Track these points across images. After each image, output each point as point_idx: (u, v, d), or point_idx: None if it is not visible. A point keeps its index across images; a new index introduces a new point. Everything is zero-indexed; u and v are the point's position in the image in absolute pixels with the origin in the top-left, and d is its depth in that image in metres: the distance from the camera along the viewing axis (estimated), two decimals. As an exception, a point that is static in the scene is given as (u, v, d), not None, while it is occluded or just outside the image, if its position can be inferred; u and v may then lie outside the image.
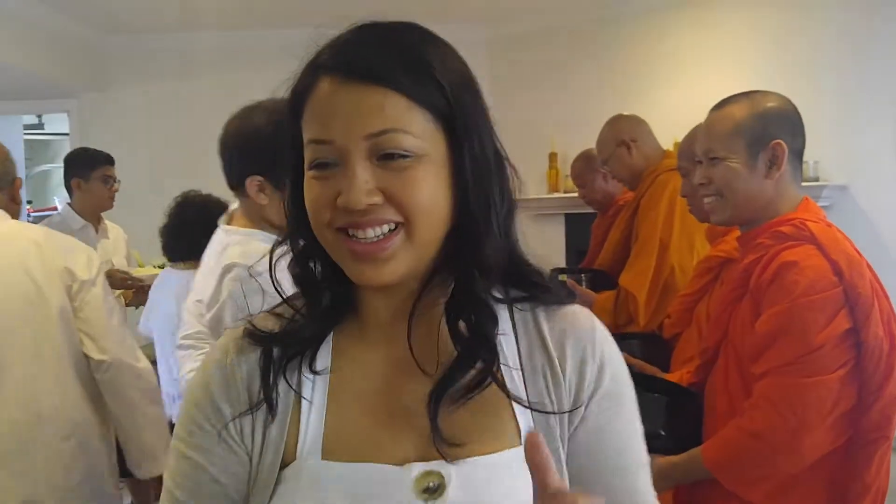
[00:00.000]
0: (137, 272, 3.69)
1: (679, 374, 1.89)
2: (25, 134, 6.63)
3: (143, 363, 1.99)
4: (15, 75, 4.87)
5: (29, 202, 6.70)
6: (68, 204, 3.65)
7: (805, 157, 4.85)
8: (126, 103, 5.60)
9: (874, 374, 1.40)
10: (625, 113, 3.05)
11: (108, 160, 3.69)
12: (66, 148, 6.45)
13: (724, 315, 1.59)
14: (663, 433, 1.59)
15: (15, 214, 2.06)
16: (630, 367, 1.96)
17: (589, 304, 2.82)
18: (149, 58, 5.63)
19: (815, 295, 1.40)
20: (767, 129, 1.54)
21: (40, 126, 7.18)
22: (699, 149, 1.65)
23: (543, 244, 5.25)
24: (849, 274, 1.41)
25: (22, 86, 5.28)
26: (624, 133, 2.88)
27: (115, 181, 3.71)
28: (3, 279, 1.83)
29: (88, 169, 3.62)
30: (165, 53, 5.61)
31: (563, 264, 4.86)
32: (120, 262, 3.74)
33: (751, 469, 1.46)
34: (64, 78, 5.24)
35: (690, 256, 2.55)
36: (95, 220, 3.69)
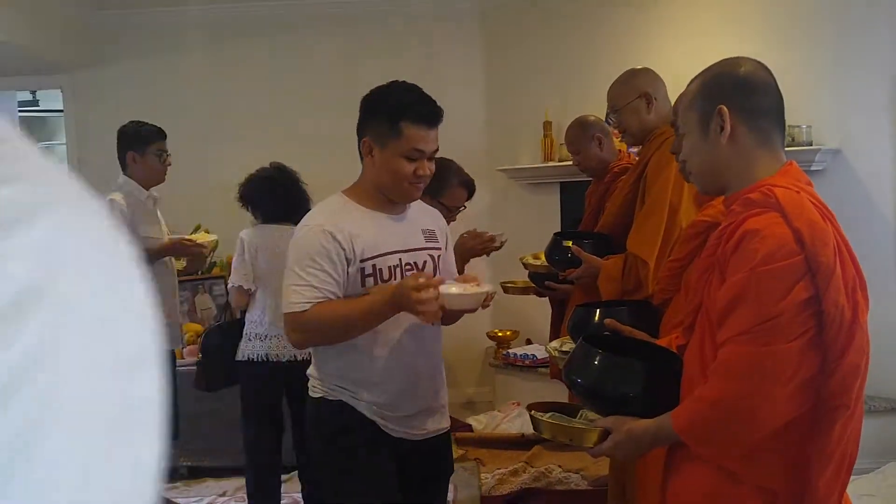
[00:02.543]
0: (198, 238, 3.94)
1: (668, 340, 1.92)
2: (20, 111, 6.60)
3: None
4: (3, 50, 4.85)
5: (26, 180, 6.68)
6: (128, 175, 3.77)
7: (798, 122, 4.87)
8: (118, 78, 5.58)
9: (834, 342, 1.41)
10: (638, 67, 2.99)
11: (162, 135, 3.83)
12: (62, 125, 6.44)
13: (702, 281, 1.61)
14: (644, 397, 1.62)
15: None
16: (618, 333, 1.99)
17: (596, 271, 2.81)
18: (140, 32, 5.61)
19: (774, 264, 1.41)
20: (711, 97, 1.59)
21: (35, 103, 7.15)
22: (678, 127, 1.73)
23: (538, 213, 5.29)
24: (811, 242, 1.42)
25: (13, 62, 5.26)
26: (647, 86, 2.83)
27: (167, 155, 3.83)
28: None
29: (144, 144, 3.76)
30: (156, 28, 5.59)
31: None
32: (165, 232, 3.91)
33: (714, 436, 1.49)
34: (56, 54, 5.23)
35: None
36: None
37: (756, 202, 1.50)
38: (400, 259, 2.11)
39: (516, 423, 4.82)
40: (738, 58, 1.66)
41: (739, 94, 1.58)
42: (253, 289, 3.44)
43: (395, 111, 2.03)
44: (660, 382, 1.63)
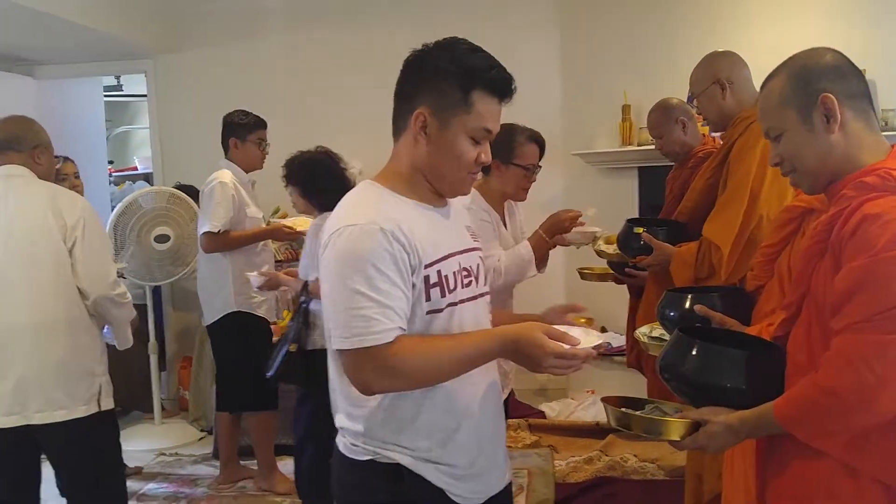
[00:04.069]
0: (295, 223, 4.10)
1: (759, 328, 1.85)
2: (105, 96, 6.78)
3: (119, 290, 2.74)
4: (91, 36, 4.99)
5: (110, 162, 6.90)
6: (229, 160, 4.05)
7: (892, 105, 4.68)
8: (200, 63, 5.69)
9: None
10: (720, 50, 2.90)
11: (261, 124, 4.09)
12: (145, 110, 6.59)
13: (808, 269, 1.55)
14: (744, 388, 1.56)
15: (41, 175, 2.74)
16: (710, 321, 1.93)
17: (667, 259, 2.76)
18: (220, 18, 5.70)
19: None
20: (810, 87, 1.52)
21: (119, 88, 7.33)
22: (763, 130, 1.64)
23: (616, 198, 5.19)
24: None
25: (99, 47, 5.41)
26: (722, 72, 2.76)
27: (266, 144, 4.10)
28: (29, 223, 2.61)
29: (245, 132, 4.02)
30: (236, 13, 5.67)
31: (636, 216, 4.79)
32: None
33: (825, 424, 1.43)
34: (140, 39, 5.35)
35: (779, 207, 2.46)
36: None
37: (873, 185, 1.44)
38: (459, 263, 1.65)
39: (590, 411, 4.77)
40: (816, 48, 1.60)
41: (836, 80, 1.53)
42: None
43: (467, 77, 1.57)
44: (762, 373, 1.57)
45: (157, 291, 5.18)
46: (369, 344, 1.46)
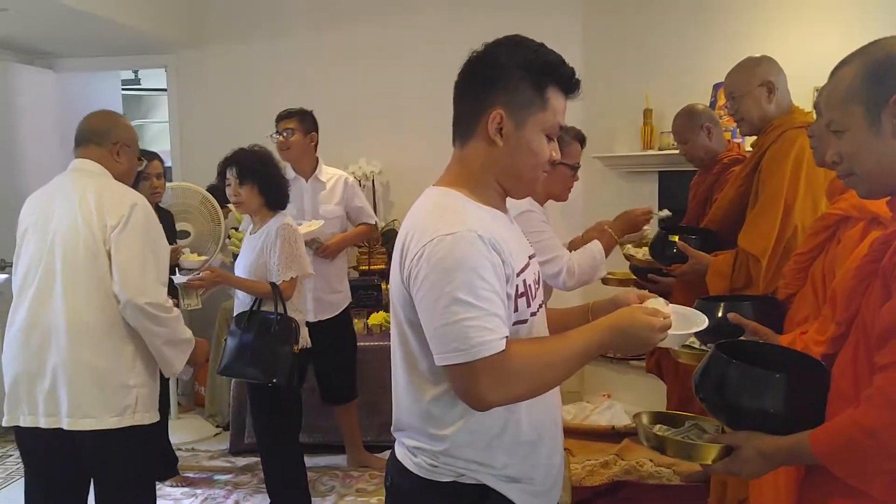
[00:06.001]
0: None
1: (792, 336, 1.83)
2: (123, 89, 6.79)
3: (152, 299, 2.51)
4: (113, 30, 4.99)
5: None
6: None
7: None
8: (222, 59, 5.68)
9: None
10: (757, 55, 2.88)
11: (281, 115, 4.19)
12: (160, 104, 6.58)
13: (860, 287, 1.42)
14: (785, 413, 1.45)
15: (119, 174, 2.66)
16: (743, 330, 1.89)
17: (703, 268, 2.76)
18: (245, 14, 5.69)
19: None
20: (885, 84, 1.32)
21: (136, 81, 7.34)
22: (823, 122, 1.48)
23: (635, 203, 5.14)
24: None
25: (120, 41, 5.41)
26: (770, 74, 2.75)
27: (277, 134, 4.14)
28: (74, 223, 2.52)
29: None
30: (261, 10, 5.66)
31: (654, 223, 4.75)
32: (331, 210, 4.17)
33: (863, 465, 1.32)
34: (162, 33, 5.34)
35: (813, 216, 2.45)
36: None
37: None
38: (535, 272, 1.63)
39: (606, 415, 4.77)
40: (893, 38, 1.40)
41: None
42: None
43: (542, 73, 1.53)
44: (803, 397, 1.46)
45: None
46: (486, 354, 1.39)
